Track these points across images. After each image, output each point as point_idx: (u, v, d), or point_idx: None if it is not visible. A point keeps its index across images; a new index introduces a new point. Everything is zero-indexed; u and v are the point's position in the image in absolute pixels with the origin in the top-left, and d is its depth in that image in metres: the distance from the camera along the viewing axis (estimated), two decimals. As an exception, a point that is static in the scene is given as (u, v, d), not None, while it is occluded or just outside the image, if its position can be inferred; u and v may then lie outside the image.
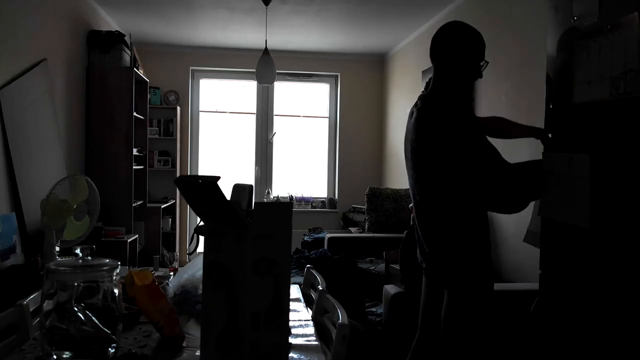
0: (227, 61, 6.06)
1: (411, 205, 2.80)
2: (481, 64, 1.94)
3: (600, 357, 1.46)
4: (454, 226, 1.89)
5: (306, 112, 6.43)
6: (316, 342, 1.54)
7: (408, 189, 3.98)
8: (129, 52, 4.55)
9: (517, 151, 3.18)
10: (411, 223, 2.63)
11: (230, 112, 6.33)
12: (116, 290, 1.30)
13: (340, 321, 1.42)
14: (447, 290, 1.94)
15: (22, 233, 2.98)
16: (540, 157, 1.78)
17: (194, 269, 1.86)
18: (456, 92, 1.93)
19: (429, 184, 1.91)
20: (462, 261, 1.89)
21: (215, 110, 6.31)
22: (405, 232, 2.71)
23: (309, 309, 1.89)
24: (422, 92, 2.75)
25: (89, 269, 1.29)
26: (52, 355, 1.24)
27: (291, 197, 6.20)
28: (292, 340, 1.52)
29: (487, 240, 1.94)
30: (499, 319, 2.36)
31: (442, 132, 1.83)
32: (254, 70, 4.30)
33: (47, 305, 1.25)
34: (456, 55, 1.91)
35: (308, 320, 1.74)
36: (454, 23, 1.97)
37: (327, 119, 6.43)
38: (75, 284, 1.27)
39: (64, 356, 1.24)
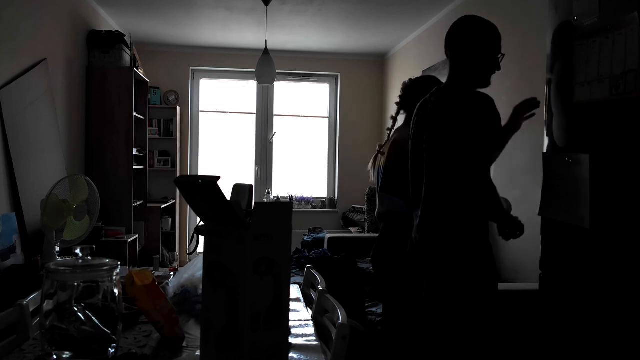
0: (227, 61, 6.06)
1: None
2: (498, 56, 1.93)
3: (601, 356, 1.46)
4: (455, 219, 1.87)
5: (306, 112, 6.43)
6: (316, 342, 1.54)
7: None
8: (129, 52, 4.55)
9: (517, 150, 3.18)
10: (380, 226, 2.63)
11: (230, 112, 6.33)
12: (116, 290, 1.29)
13: (340, 321, 1.42)
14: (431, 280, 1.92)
15: (22, 233, 2.98)
16: (540, 158, 1.78)
17: (194, 269, 1.86)
18: (475, 84, 1.93)
19: (441, 170, 1.89)
20: (456, 253, 1.87)
21: (215, 110, 6.31)
22: (378, 235, 2.70)
23: (309, 309, 1.89)
24: (400, 94, 2.72)
25: (89, 269, 1.29)
26: (52, 355, 1.24)
27: (291, 197, 6.20)
28: (292, 340, 1.52)
29: (486, 241, 1.94)
30: (498, 319, 2.36)
31: (465, 122, 1.82)
32: (254, 70, 4.30)
33: (47, 305, 1.25)
34: (474, 48, 1.90)
35: (308, 320, 1.74)
36: (470, 17, 1.96)
37: (327, 119, 6.43)
38: (75, 284, 1.26)
39: (64, 356, 1.24)
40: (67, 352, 1.24)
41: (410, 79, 2.71)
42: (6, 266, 2.74)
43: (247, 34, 5.31)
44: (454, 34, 1.95)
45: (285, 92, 6.36)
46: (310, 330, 1.64)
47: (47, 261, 2.72)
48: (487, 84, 1.97)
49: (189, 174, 6.02)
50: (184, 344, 1.45)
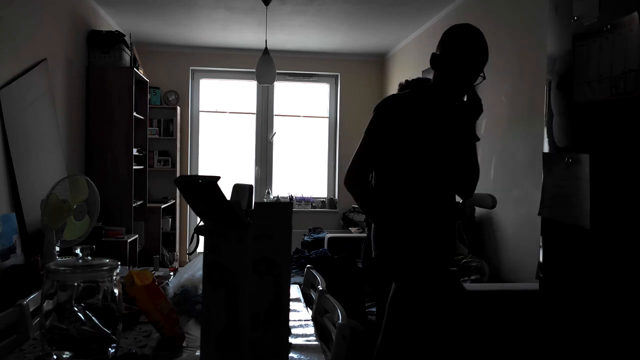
0: (227, 61, 6.06)
1: None
2: (480, 75, 1.81)
3: (601, 356, 1.46)
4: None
5: (306, 112, 6.43)
6: (316, 342, 1.54)
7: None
8: (129, 52, 4.55)
9: (517, 150, 3.18)
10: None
11: (230, 112, 6.33)
12: (116, 290, 1.29)
13: (340, 321, 1.42)
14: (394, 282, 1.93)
15: (22, 233, 2.98)
16: (540, 158, 1.78)
17: (194, 269, 1.86)
18: (440, 93, 1.87)
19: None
20: (400, 254, 1.85)
21: (215, 110, 6.31)
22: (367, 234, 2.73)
23: (309, 309, 1.89)
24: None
25: (89, 269, 1.29)
26: (52, 355, 1.24)
27: (291, 197, 6.20)
28: (292, 340, 1.52)
29: (431, 234, 1.86)
30: (498, 319, 2.36)
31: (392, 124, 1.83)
32: (254, 70, 4.30)
33: (47, 305, 1.25)
34: (442, 57, 1.82)
35: (308, 320, 1.74)
36: (458, 26, 1.85)
37: (327, 119, 6.43)
38: (75, 284, 1.26)
39: (64, 356, 1.24)
40: (67, 352, 1.24)
41: (406, 80, 2.72)
42: (6, 266, 2.74)
43: (247, 34, 5.31)
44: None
45: (285, 92, 6.36)
46: (310, 330, 1.64)
47: (47, 261, 2.72)
48: (450, 97, 1.87)
49: (189, 174, 6.02)
50: (184, 344, 1.46)
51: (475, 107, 1.88)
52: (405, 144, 1.82)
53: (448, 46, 1.81)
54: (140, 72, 4.76)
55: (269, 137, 6.30)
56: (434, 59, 1.85)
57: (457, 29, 1.83)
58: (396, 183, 1.86)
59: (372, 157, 1.86)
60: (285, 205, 1.16)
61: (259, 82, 4.38)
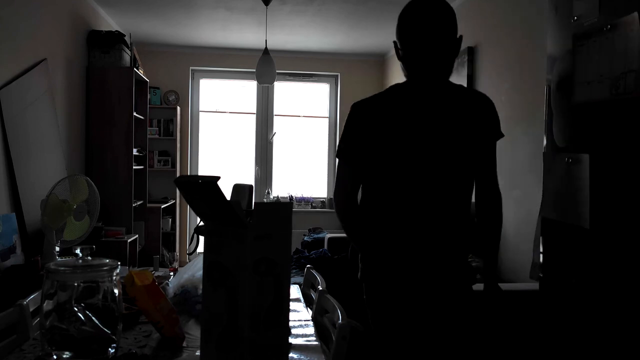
0: (227, 61, 6.06)
1: None
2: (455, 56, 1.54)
3: (601, 356, 1.46)
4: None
5: (306, 112, 6.43)
6: (316, 342, 1.54)
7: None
8: (129, 52, 4.55)
9: (517, 150, 3.18)
10: None
11: (230, 112, 6.33)
12: (116, 290, 1.30)
13: (340, 322, 1.42)
14: None
15: (22, 233, 2.98)
16: (540, 158, 1.79)
17: (194, 269, 1.86)
18: (408, 82, 1.63)
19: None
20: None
21: (215, 110, 6.31)
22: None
23: (309, 309, 1.89)
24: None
25: (89, 269, 1.29)
26: (52, 355, 1.24)
27: (291, 197, 6.20)
28: (292, 340, 1.52)
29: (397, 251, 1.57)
30: (498, 319, 2.35)
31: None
32: (254, 70, 4.30)
33: (47, 305, 1.25)
34: (399, 48, 1.60)
35: (308, 320, 1.74)
36: (409, 3, 1.55)
37: (327, 119, 6.43)
38: (75, 284, 1.27)
39: (64, 356, 1.24)
40: (67, 352, 1.24)
41: None
42: (6, 266, 2.74)
43: (247, 34, 5.31)
44: None
45: (285, 92, 6.36)
46: (310, 330, 1.64)
47: (47, 261, 2.72)
48: (424, 87, 1.61)
49: (189, 174, 6.02)
50: (184, 344, 1.46)
51: (494, 131, 1.69)
52: (379, 152, 1.57)
53: (402, 29, 1.54)
54: (140, 72, 4.76)
55: (269, 137, 6.30)
56: (396, 50, 1.60)
57: (407, 7, 1.53)
58: (378, 195, 1.62)
59: (352, 183, 1.62)
60: (285, 205, 1.16)
61: (259, 82, 4.38)
